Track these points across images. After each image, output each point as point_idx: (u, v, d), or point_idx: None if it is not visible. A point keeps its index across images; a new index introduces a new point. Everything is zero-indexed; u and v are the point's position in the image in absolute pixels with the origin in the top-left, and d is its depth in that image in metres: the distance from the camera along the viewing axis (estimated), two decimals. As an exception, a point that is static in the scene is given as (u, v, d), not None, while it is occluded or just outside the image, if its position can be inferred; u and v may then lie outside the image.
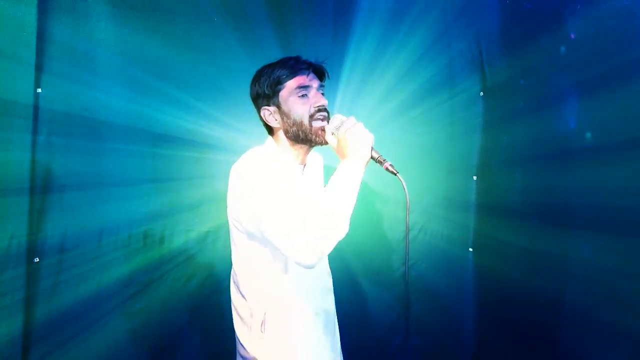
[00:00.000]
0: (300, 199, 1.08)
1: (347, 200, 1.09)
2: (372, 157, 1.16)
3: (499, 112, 2.32)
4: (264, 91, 1.26)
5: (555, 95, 1.96)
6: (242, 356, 1.34)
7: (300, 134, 1.25)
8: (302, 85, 1.23)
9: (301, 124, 1.23)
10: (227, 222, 2.05)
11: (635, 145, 1.55)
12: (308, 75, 1.24)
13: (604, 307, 1.66)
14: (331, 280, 1.49)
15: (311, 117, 1.23)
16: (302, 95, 1.23)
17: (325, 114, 1.25)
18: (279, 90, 1.24)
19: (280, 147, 1.31)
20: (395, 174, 1.15)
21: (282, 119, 1.26)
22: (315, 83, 1.25)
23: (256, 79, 1.28)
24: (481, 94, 2.39)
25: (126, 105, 1.93)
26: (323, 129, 1.24)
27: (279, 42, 2.13)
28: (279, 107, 1.25)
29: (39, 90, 1.76)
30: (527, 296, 2.03)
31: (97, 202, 1.89)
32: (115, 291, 1.93)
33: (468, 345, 2.43)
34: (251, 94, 1.32)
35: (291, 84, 1.23)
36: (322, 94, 1.28)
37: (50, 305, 1.80)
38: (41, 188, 1.77)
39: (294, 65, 1.24)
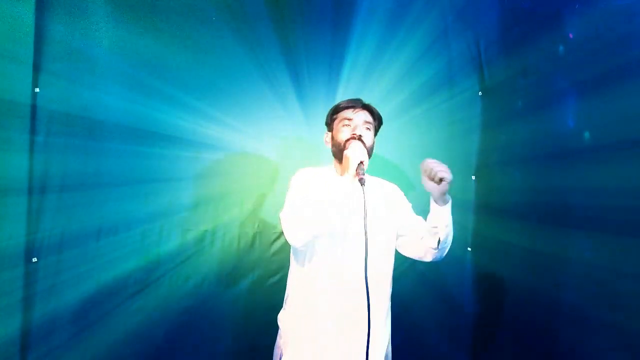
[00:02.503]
0: (307, 200, 1.41)
1: (326, 207, 1.36)
2: (356, 172, 1.38)
3: (498, 112, 2.33)
4: (327, 120, 1.67)
5: (554, 95, 1.96)
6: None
7: (338, 154, 1.55)
8: (347, 117, 1.56)
9: (339, 144, 1.54)
10: (224, 223, 2.09)
11: (634, 145, 1.56)
12: (354, 109, 1.57)
13: (602, 306, 1.67)
14: (355, 279, 1.49)
15: (347, 141, 1.52)
16: (345, 125, 1.56)
17: (354, 140, 1.51)
18: (334, 120, 1.62)
19: (334, 164, 1.64)
20: (362, 185, 1.35)
21: (331, 141, 1.61)
22: (359, 117, 1.56)
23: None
24: (480, 93, 2.40)
25: (124, 105, 1.93)
26: None
27: (278, 42, 2.13)
28: (331, 132, 1.62)
29: (37, 89, 1.75)
30: (525, 296, 2.04)
31: (95, 202, 1.89)
32: (113, 292, 1.92)
33: (467, 345, 2.43)
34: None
35: (341, 115, 1.59)
36: (368, 129, 1.57)
37: (49, 305, 1.80)
38: (39, 188, 1.77)
39: (348, 102, 1.60)
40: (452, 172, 2.36)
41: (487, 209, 2.35)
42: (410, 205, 1.74)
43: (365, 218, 1.31)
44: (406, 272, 2.35)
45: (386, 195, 1.69)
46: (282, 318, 1.62)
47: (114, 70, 1.90)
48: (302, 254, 1.55)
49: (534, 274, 1.99)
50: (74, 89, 1.84)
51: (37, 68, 1.75)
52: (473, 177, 2.43)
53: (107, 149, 1.91)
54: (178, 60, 2.01)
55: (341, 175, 1.42)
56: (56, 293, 1.81)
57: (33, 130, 1.75)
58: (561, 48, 1.93)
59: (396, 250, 1.79)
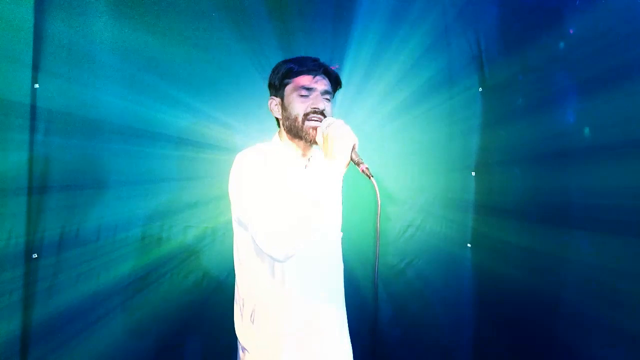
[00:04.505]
0: (280, 195, 1.14)
1: (321, 200, 1.10)
2: (351, 159, 1.16)
3: (498, 111, 2.33)
4: (274, 82, 1.35)
5: (554, 94, 1.96)
6: (239, 345, 1.39)
7: (293, 129, 1.30)
8: (306, 86, 1.29)
9: (295, 119, 1.28)
10: (225, 222, 2.08)
11: (634, 145, 1.56)
12: (314, 77, 1.29)
13: (601, 305, 1.68)
14: (332, 284, 1.44)
15: (305, 115, 1.27)
16: (303, 95, 1.29)
17: (320, 116, 1.28)
18: (286, 85, 1.32)
19: (282, 140, 1.37)
20: (369, 177, 1.14)
21: (282, 111, 1.33)
22: (321, 87, 1.30)
23: (272, 70, 1.37)
24: (480, 89, 2.40)
25: (123, 103, 1.91)
26: (315, 129, 1.27)
27: (278, 41, 2.11)
28: (282, 99, 1.33)
29: (37, 85, 1.73)
30: (525, 294, 2.04)
31: (95, 202, 1.88)
32: (113, 291, 1.92)
33: (466, 343, 2.44)
34: (268, 83, 1.39)
35: (297, 81, 1.30)
36: (328, 99, 1.32)
37: (49, 305, 1.79)
38: (39, 187, 1.76)
39: (304, 64, 1.30)
40: (453, 170, 2.38)
41: (487, 207, 2.36)
42: None
43: (379, 216, 1.15)
44: (403, 270, 2.37)
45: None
46: (250, 338, 1.32)
47: (113, 69, 1.89)
48: (274, 265, 1.29)
49: (533, 272, 2.00)
50: (73, 87, 1.82)
51: (36, 67, 1.73)
52: (473, 173, 2.43)
53: (106, 148, 1.90)
54: (178, 59, 1.99)
55: (326, 158, 1.16)
56: (56, 293, 1.80)
57: (32, 130, 1.73)
58: (562, 46, 1.92)
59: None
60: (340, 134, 1.15)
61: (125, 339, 1.96)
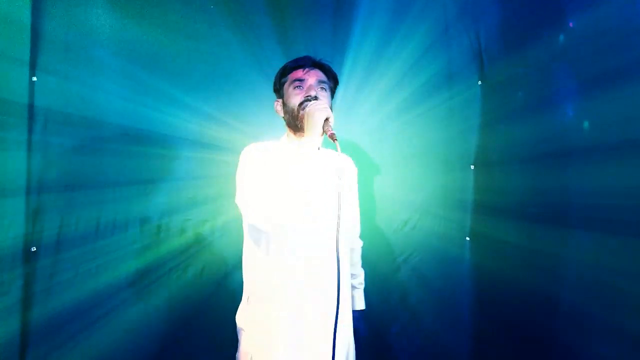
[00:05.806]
0: (267, 176, 1.25)
1: (298, 169, 1.21)
2: (323, 130, 1.25)
3: (498, 109, 2.31)
4: (276, 85, 1.49)
5: (555, 93, 1.94)
6: (237, 329, 1.46)
7: (292, 121, 1.41)
8: (298, 78, 1.39)
9: (292, 111, 1.38)
10: (224, 220, 2.07)
11: (634, 145, 1.54)
12: (304, 69, 1.39)
13: (600, 305, 1.67)
14: (330, 276, 1.40)
15: (300, 105, 1.36)
16: (297, 87, 1.39)
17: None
18: (284, 83, 1.44)
19: (288, 137, 1.47)
20: (334, 141, 1.21)
21: (283, 109, 1.44)
22: (312, 78, 1.39)
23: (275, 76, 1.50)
24: (479, 83, 2.37)
25: (122, 102, 1.90)
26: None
27: (279, 41, 2.09)
28: (282, 98, 1.45)
29: (34, 78, 1.72)
30: (523, 293, 2.04)
31: (93, 200, 1.88)
32: (113, 290, 1.92)
33: (464, 342, 2.44)
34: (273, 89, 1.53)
35: (291, 76, 1.41)
36: (323, 89, 1.40)
37: (48, 304, 1.79)
38: (37, 188, 1.75)
39: (296, 61, 1.42)
40: (452, 169, 2.37)
41: (486, 206, 2.35)
42: (356, 185, 1.65)
43: (340, 179, 1.21)
44: (400, 267, 2.36)
45: (343, 167, 1.53)
46: (245, 318, 1.41)
47: (112, 66, 1.88)
48: (266, 241, 1.37)
49: (532, 271, 2.00)
50: (71, 85, 1.81)
51: (33, 66, 1.72)
52: (472, 167, 2.41)
53: (105, 146, 1.89)
54: (178, 55, 1.98)
55: (304, 137, 1.27)
56: (55, 293, 1.79)
57: (30, 129, 1.73)
58: (564, 44, 1.89)
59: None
60: (315, 109, 1.24)
61: (125, 336, 1.96)
